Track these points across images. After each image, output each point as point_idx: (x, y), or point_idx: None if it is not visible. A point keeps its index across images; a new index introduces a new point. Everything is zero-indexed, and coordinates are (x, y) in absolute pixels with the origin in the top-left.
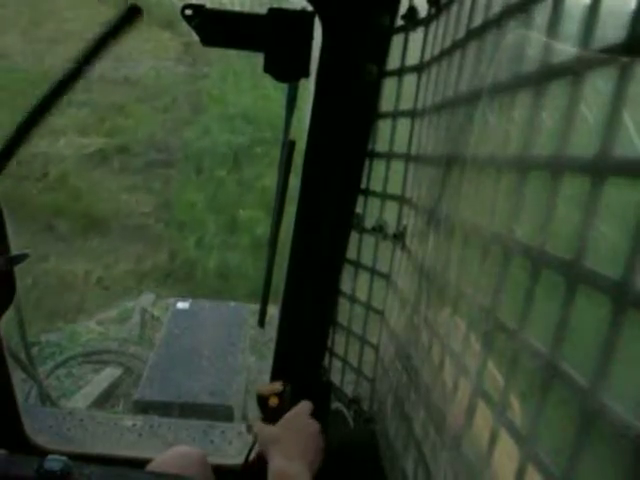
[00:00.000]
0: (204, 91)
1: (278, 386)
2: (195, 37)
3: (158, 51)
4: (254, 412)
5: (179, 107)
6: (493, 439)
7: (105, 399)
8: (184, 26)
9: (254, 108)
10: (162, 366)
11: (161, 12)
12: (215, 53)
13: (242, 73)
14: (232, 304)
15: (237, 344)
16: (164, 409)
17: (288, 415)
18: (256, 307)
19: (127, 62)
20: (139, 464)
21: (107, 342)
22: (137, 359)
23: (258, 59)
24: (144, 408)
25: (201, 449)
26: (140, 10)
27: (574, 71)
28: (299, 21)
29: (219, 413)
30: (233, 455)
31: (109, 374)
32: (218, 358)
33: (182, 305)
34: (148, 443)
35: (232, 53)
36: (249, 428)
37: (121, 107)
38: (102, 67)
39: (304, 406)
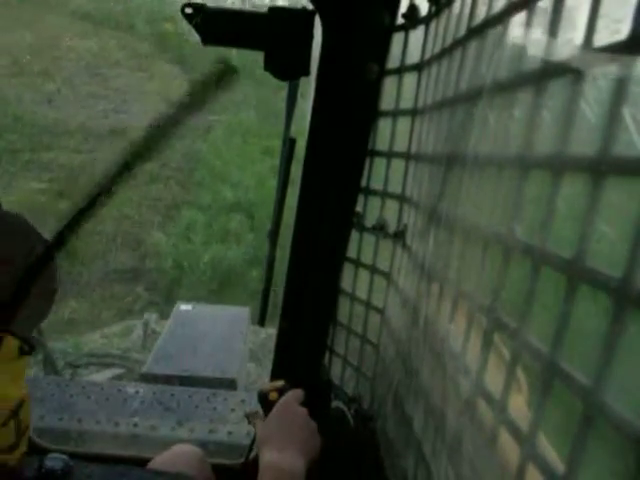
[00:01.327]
0: (201, 158)
1: (279, 383)
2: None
3: (161, 91)
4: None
5: (165, 182)
6: (493, 438)
7: None
8: (196, 60)
9: (261, 193)
10: (168, 348)
11: (172, 44)
12: (225, 99)
13: (251, 127)
14: (233, 307)
15: (238, 337)
16: (169, 382)
17: (275, 407)
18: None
19: (120, 106)
20: (139, 463)
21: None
22: (139, 363)
23: (274, 108)
24: (150, 381)
25: (201, 448)
26: (235, 70)
27: (575, 70)
28: (299, 20)
29: (223, 386)
30: (236, 422)
31: (112, 372)
32: (220, 345)
33: (185, 307)
34: (151, 410)
35: (244, 99)
36: (249, 419)
37: (90, 175)
38: (88, 112)
39: (292, 395)
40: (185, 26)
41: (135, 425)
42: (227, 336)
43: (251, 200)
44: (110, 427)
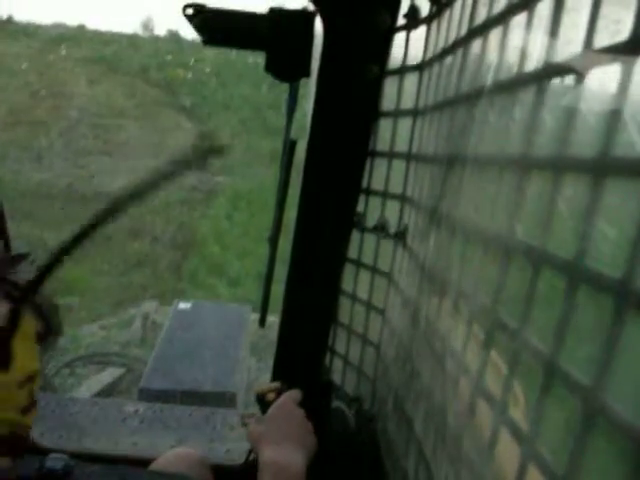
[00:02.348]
0: (201, 238)
1: (276, 384)
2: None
3: (163, 143)
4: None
5: (154, 268)
6: (494, 439)
7: (107, 395)
8: (205, 110)
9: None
10: (165, 358)
11: (182, 89)
12: (235, 157)
13: (268, 193)
14: (233, 305)
15: (238, 340)
16: (168, 397)
17: (273, 407)
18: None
19: (115, 162)
20: (140, 463)
21: (109, 345)
22: (139, 361)
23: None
24: (148, 396)
25: (202, 451)
26: (221, 148)
27: (575, 70)
28: (300, 20)
29: (223, 400)
30: (235, 441)
31: (111, 373)
32: (220, 351)
33: (184, 306)
34: (150, 430)
35: (257, 159)
36: (243, 422)
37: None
38: (78, 172)
39: (289, 395)
40: (195, 73)
41: (135, 444)
42: (228, 341)
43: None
44: (110, 447)
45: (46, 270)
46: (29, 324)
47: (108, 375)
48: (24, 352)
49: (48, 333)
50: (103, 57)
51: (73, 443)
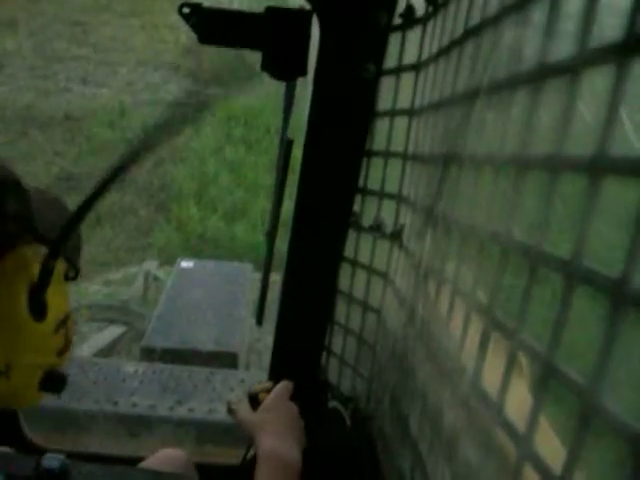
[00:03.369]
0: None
1: (268, 384)
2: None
3: (151, 45)
4: (256, 363)
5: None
6: (490, 438)
7: (107, 354)
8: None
9: None
10: (168, 317)
11: None
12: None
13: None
14: (235, 263)
15: (240, 300)
16: (170, 356)
17: (267, 399)
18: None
19: (90, 73)
20: (137, 462)
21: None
22: (140, 317)
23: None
24: (150, 355)
25: (186, 451)
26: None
27: (572, 69)
28: (297, 20)
29: (224, 360)
30: (234, 399)
31: (112, 331)
32: (222, 310)
33: (186, 264)
34: (150, 390)
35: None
36: (229, 409)
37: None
38: (45, 85)
39: (282, 388)
40: None
41: (134, 405)
42: (230, 300)
43: None
44: (109, 407)
45: (74, 221)
46: (58, 268)
47: (109, 334)
48: (56, 297)
49: (74, 274)
50: None
51: (73, 404)
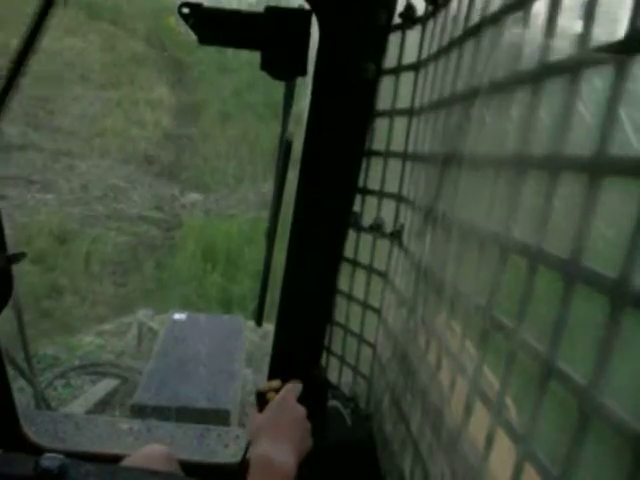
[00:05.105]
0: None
1: (276, 383)
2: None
3: (125, 128)
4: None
5: None
6: (490, 438)
7: (101, 408)
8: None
9: None
10: (159, 373)
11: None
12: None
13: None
14: (227, 317)
15: (233, 353)
16: (161, 413)
17: (274, 400)
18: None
19: (39, 170)
20: None
21: (105, 355)
22: (134, 371)
23: None
24: (141, 412)
25: (172, 449)
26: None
27: (571, 69)
28: (296, 19)
29: (216, 417)
30: (230, 457)
31: (106, 385)
32: (215, 365)
33: (179, 316)
34: (144, 446)
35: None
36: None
37: None
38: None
39: (290, 390)
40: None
41: (132, 429)
42: (222, 354)
43: None
44: (106, 432)
45: None
46: None
47: (102, 388)
48: None
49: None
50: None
51: (68, 443)
